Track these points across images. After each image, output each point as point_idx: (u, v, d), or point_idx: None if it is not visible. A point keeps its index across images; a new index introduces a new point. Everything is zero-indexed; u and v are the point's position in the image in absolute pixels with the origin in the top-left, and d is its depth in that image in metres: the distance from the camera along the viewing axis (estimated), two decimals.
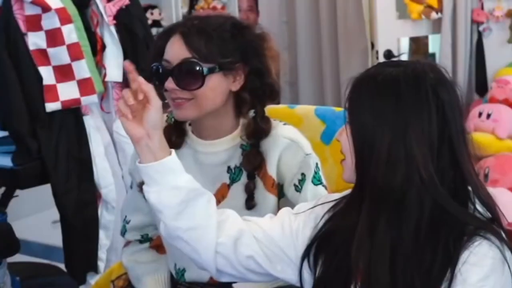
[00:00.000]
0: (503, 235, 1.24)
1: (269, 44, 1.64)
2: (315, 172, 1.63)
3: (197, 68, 1.53)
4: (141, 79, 1.35)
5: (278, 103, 1.84)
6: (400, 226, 1.22)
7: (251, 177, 1.62)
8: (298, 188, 1.62)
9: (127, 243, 1.85)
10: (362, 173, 1.27)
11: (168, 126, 1.66)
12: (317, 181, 1.63)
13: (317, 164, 1.64)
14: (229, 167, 1.65)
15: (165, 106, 1.46)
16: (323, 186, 1.64)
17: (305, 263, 1.38)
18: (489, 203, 1.27)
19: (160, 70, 1.57)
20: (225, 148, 1.64)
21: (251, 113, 1.65)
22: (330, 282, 1.33)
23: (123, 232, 1.83)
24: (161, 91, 1.51)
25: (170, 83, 1.54)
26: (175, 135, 1.66)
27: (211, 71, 1.54)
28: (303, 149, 1.63)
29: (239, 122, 1.65)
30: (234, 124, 1.65)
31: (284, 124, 1.67)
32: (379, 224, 1.23)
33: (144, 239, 1.82)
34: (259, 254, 1.40)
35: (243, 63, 1.58)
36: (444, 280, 1.19)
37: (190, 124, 1.68)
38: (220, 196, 1.63)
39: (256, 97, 1.62)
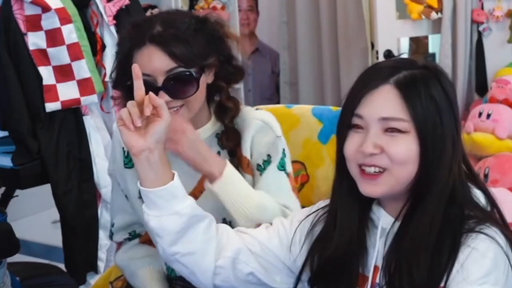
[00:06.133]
0: (506, 229, 1.24)
1: (227, 28, 1.65)
2: (281, 158, 1.64)
3: (189, 75, 1.53)
4: (152, 95, 1.32)
5: (278, 102, 1.84)
6: (420, 219, 1.23)
7: (232, 155, 1.64)
8: (260, 168, 1.63)
9: (119, 246, 1.85)
10: (428, 176, 1.23)
11: None
12: (281, 166, 1.64)
13: (284, 149, 1.66)
14: None
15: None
16: (286, 173, 1.64)
17: (304, 273, 1.37)
18: (493, 199, 1.29)
19: (146, 86, 1.43)
20: (202, 138, 1.62)
21: (216, 96, 1.66)
22: None
23: (110, 236, 1.83)
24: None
25: (163, 97, 1.49)
26: None
27: (198, 73, 1.55)
28: (274, 131, 1.65)
29: (211, 111, 1.67)
30: (208, 114, 1.67)
31: (257, 109, 1.70)
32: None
33: (132, 236, 1.82)
34: (258, 270, 1.40)
35: (214, 54, 1.59)
36: (446, 273, 1.19)
37: None
38: (202, 186, 1.60)
39: (228, 82, 1.65)
